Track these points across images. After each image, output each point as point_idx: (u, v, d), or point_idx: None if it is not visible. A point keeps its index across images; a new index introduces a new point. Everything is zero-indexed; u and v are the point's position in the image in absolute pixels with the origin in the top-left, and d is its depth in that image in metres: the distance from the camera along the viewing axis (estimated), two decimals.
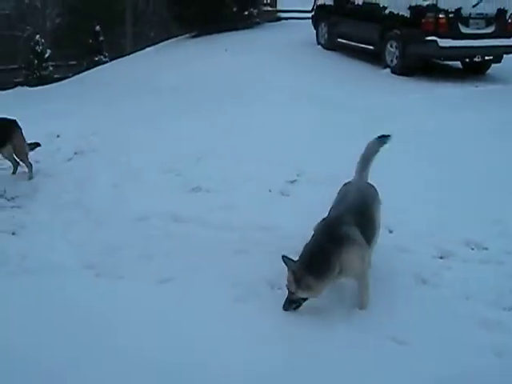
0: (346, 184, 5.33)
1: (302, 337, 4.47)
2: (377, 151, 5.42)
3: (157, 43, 20.97)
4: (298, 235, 5.05)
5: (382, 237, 5.22)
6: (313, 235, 4.73)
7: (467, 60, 13.23)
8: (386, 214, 5.34)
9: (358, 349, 4.32)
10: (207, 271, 5.34)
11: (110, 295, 5.11)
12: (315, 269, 4.51)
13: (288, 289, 4.65)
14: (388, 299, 4.87)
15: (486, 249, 5.75)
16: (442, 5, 12.24)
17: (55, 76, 22.04)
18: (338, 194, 5.22)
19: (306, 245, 4.67)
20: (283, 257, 4.61)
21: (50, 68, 22.18)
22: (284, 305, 4.71)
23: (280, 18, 20.22)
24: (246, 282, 5.15)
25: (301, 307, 4.68)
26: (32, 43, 22.98)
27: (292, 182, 7.36)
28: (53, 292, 5.13)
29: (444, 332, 4.50)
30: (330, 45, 15.48)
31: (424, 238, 5.87)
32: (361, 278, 4.78)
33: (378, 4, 13.51)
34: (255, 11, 19.02)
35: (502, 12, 12.71)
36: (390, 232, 6.00)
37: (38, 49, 22.11)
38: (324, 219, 4.85)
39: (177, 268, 5.43)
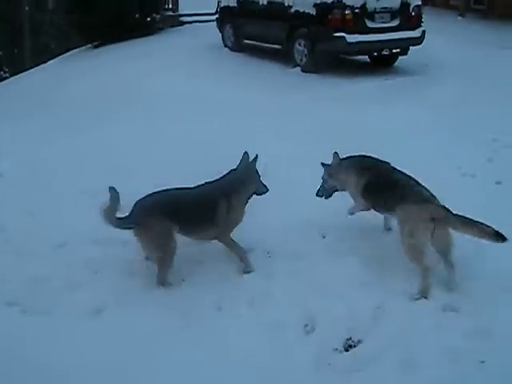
0: None
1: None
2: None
3: (58, 55, 20.35)
4: None
5: None
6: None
7: (375, 54, 13.34)
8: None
9: None
10: (141, 298, 5.08)
11: (39, 333, 4.78)
12: None
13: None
14: None
15: None
16: (347, 1, 12.27)
17: None
18: None
19: None
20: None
21: None
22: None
23: (183, 23, 19.93)
24: (185, 306, 4.94)
25: None
26: None
27: None
28: None
29: None
30: (237, 47, 15.36)
31: None
32: None
33: (283, 3, 13.46)
34: (158, 17, 18.68)
35: (405, 5, 12.89)
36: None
37: None
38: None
39: (107, 297, 5.14)
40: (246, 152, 5.74)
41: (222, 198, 5.46)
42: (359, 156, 6.01)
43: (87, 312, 5.02)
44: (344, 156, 6.02)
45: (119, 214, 5.27)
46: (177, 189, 5.53)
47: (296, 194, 6.81)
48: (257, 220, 5.92)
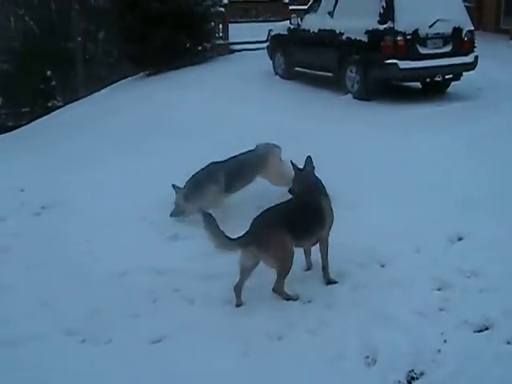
0: None
1: None
2: None
3: (110, 84, 20.68)
4: None
5: None
6: None
7: (428, 80, 13.23)
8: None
9: None
10: (201, 326, 5.09)
11: (99, 362, 4.82)
12: None
13: None
14: None
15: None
16: (399, 27, 12.22)
17: (8, 124, 21.59)
18: None
19: None
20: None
21: (3, 116, 21.73)
22: None
23: (233, 51, 20.12)
24: (245, 336, 4.92)
25: None
26: None
27: None
28: (34, 365, 4.82)
29: None
30: (288, 74, 15.40)
31: None
32: None
33: (335, 30, 13.46)
34: (208, 45, 18.89)
35: (457, 31, 12.74)
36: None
37: None
38: None
39: (167, 325, 5.18)
40: (309, 156, 6.11)
41: (323, 200, 5.85)
42: None
43: (147, 341, 5.05)
44: None
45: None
46: (281, 203, 5.85)
47: (358, 221, 6.78)
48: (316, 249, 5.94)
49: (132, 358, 4.84)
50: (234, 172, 7.51)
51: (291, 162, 6.15)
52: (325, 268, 5.83)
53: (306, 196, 5.85)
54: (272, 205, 5.77)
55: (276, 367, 4.63)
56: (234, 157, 7.75)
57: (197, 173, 7.54)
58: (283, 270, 5.44)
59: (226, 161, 7.68)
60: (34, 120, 18.55)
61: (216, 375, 4.56)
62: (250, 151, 7.89)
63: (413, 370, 4.53)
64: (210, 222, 5.32)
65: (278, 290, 5.46)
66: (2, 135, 16.79)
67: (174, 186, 7.35)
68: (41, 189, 8.88)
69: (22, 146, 12.97)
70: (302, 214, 5.66)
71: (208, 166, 7.59)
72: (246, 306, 5.44)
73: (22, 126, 18.62)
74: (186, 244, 6.77)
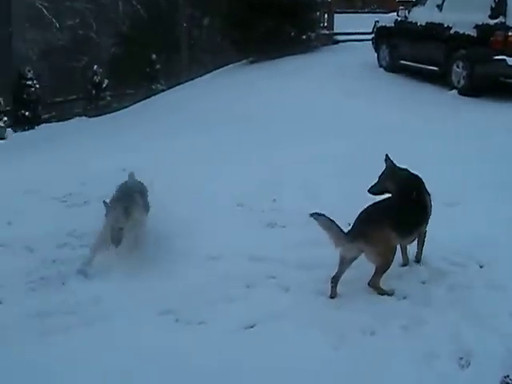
0: None
1: None
2: None
3: (213, 69, 20.95)
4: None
5: None
6: None
7: None
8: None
9: None
10: (294, 316, 5.09)
11: (191, 342, 4.89)
12: None
13: None
14: None
15: None
16: (510, 22, 11.85)
17: (113, 105, 22.16)
18: None
19: None
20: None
21: (108, 98, 22.29)
22: None
23: (337, 41, 20.00)
24: (337, 329, 4.90)
25: None
26: (90, 74, 23.17)
27: None
28: (129, 341, 4.93)
29: None
30: (392, 67, 15.21)
31: None
32: None
33: (443, 24, 13.19)
34: (313, 35, 18.85)
35: None
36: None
37: (96, 79, 22.30)
38: None
39: (260, 312, 5.19)
40: (387, 155, 6.07)
41: (428, 199, 5.83)
42: None
43: (239, 326, 5.06)
44: None
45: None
46: (386, 200, 5.82)
47: (457, 219, 6.66)
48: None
49: (222, 341, 4.85)
50: None
51: (387, 157, 6.05)
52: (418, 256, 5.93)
53: (411, 194, 5.76)
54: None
55: (367, 362, 4.56)
56: None
57: None
58: (384, 266, 5.39)
59: None
60: (137, 102, 18.97)
61: (305, 367, 4.51)
62: None
63: (508, 376, 4.39)
64: (325, 222, 5.32)
65: (375, 285, 5.41)
66: (109, 115, 17.35)
67: None
68: (144, 170, 9.07)
69: (127, 128, 13.27)
70: (408, 212, 5.61)
71: None
72: (340, 298, 5.39)
73: (126, 107, 19.12)
74: (283, 232, 6.79)
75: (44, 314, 5.40)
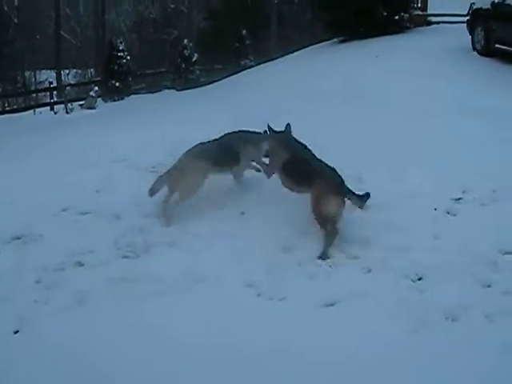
0: None
1: None
2: None
3: (302, 47, 20.84)
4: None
5: None
6: None
7: None
8: None
9: None
10: (375, 297, 5.09)
11: (271, 317, 4.97)
12: None
13: None
14: None
15: None
16: None
17: (202, 79, 22.33)
18: None
19: None
20: None
21: (197, 72, 22.46)
22: None
23: (431, 23, 19.53)
24: (418, 311, 4.87)
25: None
26: (180, 47, 23.40)
27: (457, 199, 6.92)
28: (213, 313, 5.08)
29: None
30: (487, 51, 14.75)
31: None
32: None
33: None
34: (406, 16, 18.46)
35: None
36: None
37: (186, 52, 22.48)
38: None
39: (341, 291, 5.22)
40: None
41: None
42: None
43: (320, 303, 5.13)
44: None
45: None
46: None
47: None
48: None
49: (303, 317, 4.96)
50: None
51: None
52: None
53: None
54: None
55: (446, 348, 4.56)
56: None
57: None
58: None
59: None
60: (226, 77, 19.07)
61: (383, 347, 4.58)
62: None
63: None
64: None
65: None
66: (199, 89, 17.53)
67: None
68: None
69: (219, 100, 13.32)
70: None
71: None
72: (424, 281, 5.36)
73: (215, 81, 19.26)
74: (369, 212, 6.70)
75: (131, 280, 5.58)
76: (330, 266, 5.70)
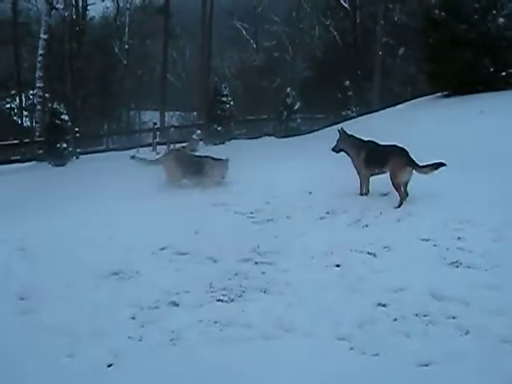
0: None
1: None
2: None
3: (404, 100, 20.73)
4: None
5: None
6: None
7: None
8: None
9: None
10: (470, 359, 4.89)
11: (365, 372, 4.85)
12: None
13: None
14: None
15: None
16: None
17: (303, 128, 22.47)
18: None
19: None
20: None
21: (299, 120, 22.58)
22: None
23: None
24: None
25: None
26: (282, 95, 23.64)
27: None
28: (303, 364, 4.99)
29: None
30: None
31: None
32: None
33: None
34: None
35: None
36: None
37: (288, 100, 22.65)
38: None
39: (436, 351, 5.04)
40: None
41: None
42: None
43: (414, 362, 4.95)
44: None
45: None
46: None
47: None
48: None
49: (397, 376, 4.80)
50: None
51: None
52: None
53: None
54: None
55: None
56: None
57: None
58: None
59: None
60: (327, 126, 19.13)
61: None
62: None
63: None
64: None
65: None
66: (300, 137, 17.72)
67: None
68: (328, 195, 9.26)
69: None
70: None
71: None
72: None
73: (316, 130, 19.34)
74: (468, 272, 6.56)
75: (223, 323, 5.60)
76: (427, 325, 5.52)
